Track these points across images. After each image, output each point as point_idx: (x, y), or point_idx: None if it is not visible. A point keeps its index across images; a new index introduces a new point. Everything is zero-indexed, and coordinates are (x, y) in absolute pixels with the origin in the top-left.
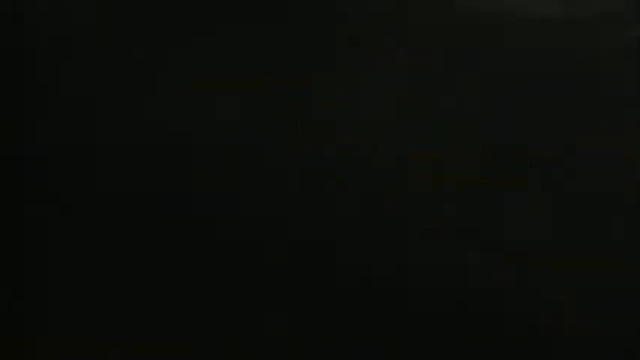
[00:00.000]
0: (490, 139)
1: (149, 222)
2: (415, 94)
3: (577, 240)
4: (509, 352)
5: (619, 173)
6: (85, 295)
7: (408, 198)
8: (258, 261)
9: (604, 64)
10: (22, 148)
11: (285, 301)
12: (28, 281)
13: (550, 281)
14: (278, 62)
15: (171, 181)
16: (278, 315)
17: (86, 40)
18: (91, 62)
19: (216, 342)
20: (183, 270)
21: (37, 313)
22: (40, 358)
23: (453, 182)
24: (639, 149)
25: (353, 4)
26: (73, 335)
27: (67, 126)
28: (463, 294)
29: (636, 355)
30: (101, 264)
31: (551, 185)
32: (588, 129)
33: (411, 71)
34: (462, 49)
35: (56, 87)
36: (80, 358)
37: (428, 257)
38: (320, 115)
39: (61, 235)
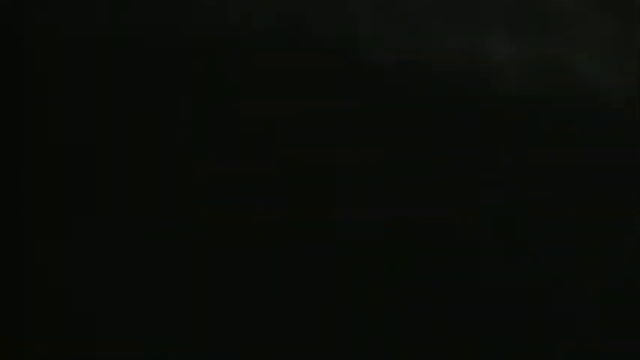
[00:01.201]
0: None
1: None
2: None
3: None
4: None
5: None
6: (85, 295)
7: None
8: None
9: None
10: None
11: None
12: (28, 281)
13: None
14: None
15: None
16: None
17: None
18: None
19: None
20: (183, 270)
21: (37, 313)
22: (40, 358)
23: None
24: None
25: None
26: (73, 335)
27: None
28: None
29: None
30: (101, 263)
31: None
32: None
33: None
34: None
35: None
36: (80, 358)
37: None
38: None
39: (60, 233)
